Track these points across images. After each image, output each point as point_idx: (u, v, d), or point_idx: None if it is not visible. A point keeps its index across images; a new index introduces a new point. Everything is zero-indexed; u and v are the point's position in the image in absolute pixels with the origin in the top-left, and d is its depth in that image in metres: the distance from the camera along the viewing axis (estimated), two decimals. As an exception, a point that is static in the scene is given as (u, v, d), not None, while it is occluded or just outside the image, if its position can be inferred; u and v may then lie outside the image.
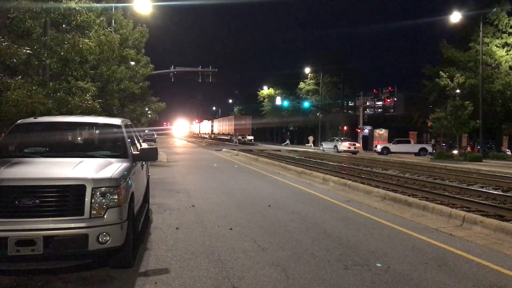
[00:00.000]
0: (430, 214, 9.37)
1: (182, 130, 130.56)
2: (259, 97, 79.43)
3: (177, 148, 45.14)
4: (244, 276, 5.29)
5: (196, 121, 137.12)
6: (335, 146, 45.47)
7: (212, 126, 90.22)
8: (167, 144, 55.83)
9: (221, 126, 77.64)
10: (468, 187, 15.57)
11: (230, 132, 68.57)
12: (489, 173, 21.35)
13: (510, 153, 39.83)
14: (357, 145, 46.02)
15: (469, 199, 12.14)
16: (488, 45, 36.04)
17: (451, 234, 7.81)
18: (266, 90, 78.53)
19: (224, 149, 41.74)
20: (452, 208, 9.84)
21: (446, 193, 13.44)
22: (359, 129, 52.59)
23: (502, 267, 5.94)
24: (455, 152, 35.51)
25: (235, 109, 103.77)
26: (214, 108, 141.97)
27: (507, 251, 6.72)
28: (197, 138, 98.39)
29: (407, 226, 8.41)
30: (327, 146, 48.08)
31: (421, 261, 6.11)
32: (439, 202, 11.32)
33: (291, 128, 76.84)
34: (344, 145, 44.43)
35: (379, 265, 5.86)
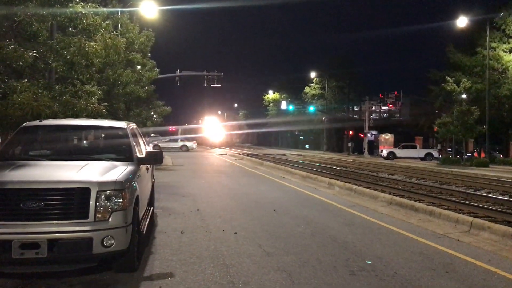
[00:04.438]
0: (437, 220, 9.28)
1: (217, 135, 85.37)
2: (264, 101, 79.53)
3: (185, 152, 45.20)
4: (249, 281, 5.24)
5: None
6: (184, 145, 49.95)
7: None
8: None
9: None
10: (475, 192, 15.44)
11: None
12: (496, 178, 21.19)
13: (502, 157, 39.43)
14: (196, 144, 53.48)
15: (476, 204, 12.03)
16: (495, 50, 35.86)
17: (458, 240, 7.72)
18: (271, 95, 78.64)
19: (229, 153, 41.78)
20: (459, 213, 9.74)
21: (453, 199, 13.33)
22: (364, 134, 52.43)
23: (511, 273, 5.85)
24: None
25: (240, 113, 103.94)
26: (219, 112, 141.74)
27: (515, 258, 6.62)
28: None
29: (414, 232, 8.33)
30: (166, 146, 47.23)
31: (429, 267, 6.03)
32: (446, 207, 11.22)
33: (296, 133, 76.91)
34: (194, 143, 52.03)
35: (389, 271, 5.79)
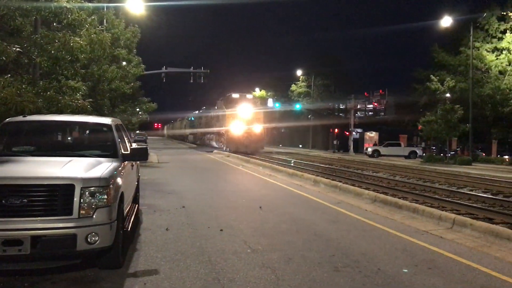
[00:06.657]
0: (420, 217, 9.40)
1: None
2: (250, 98, 79.39)
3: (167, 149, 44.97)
4: (234, 278, 5.26)
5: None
6: None
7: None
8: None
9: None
10: (458, 190, 15.67)
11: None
12: (479, 176, 21.51)
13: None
14: None
15: (459, 202, 12.22)
16: (478, 50, 36.39)
17: (441, 237, 7.84)
18: (257, 92, 78.57)
19: (215, 151, 41.71)
20: (442, 210, 9.88)
21: (436, 196, 13.51)
22: (349, 131, 52.73)
23: (491, 269, 5.96)
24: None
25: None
26: (204, 108, 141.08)
27: (496, 254, 6.75)
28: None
29: (398, 228, 8.43)
30: None
31: (412, 263, 6.12)
32: (429, 204, 11.38)
33: (282, 131, 77.05)
34: None
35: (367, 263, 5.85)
